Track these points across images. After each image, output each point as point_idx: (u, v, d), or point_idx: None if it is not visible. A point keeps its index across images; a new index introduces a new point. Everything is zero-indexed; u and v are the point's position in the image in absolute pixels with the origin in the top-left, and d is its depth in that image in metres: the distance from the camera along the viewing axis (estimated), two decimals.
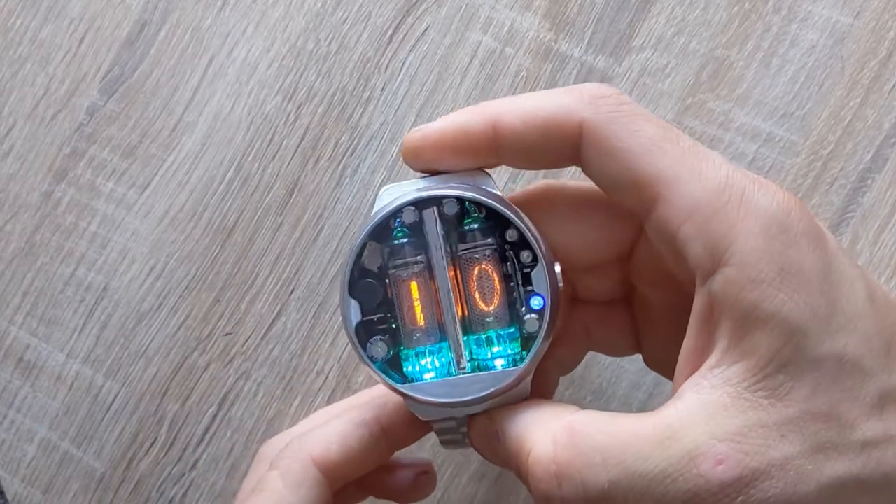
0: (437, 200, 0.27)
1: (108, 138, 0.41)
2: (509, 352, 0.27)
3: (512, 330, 0.27)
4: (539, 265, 0.27)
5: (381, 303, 0.27)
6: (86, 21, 0.41)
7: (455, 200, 0.27)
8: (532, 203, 0.29)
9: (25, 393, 0.40)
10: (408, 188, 0.27)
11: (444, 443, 0.31)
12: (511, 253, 0.27)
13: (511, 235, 0.27)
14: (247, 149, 0.40)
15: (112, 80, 0.41)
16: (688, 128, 0.39)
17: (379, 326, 0.27)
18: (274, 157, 0.40)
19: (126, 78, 0.41)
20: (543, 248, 0.27)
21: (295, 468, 0.30)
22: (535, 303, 0.27)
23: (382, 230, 0.27)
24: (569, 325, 0.32)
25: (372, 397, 0.33)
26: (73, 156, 0.41)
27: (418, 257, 0.27)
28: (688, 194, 0.25)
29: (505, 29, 0.40)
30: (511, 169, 0.39)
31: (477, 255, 0.27)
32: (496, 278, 0.27)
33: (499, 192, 0.27)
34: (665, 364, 0.31)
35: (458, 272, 0.27)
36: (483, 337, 0.27)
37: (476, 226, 0.27)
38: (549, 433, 0.26)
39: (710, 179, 0.25)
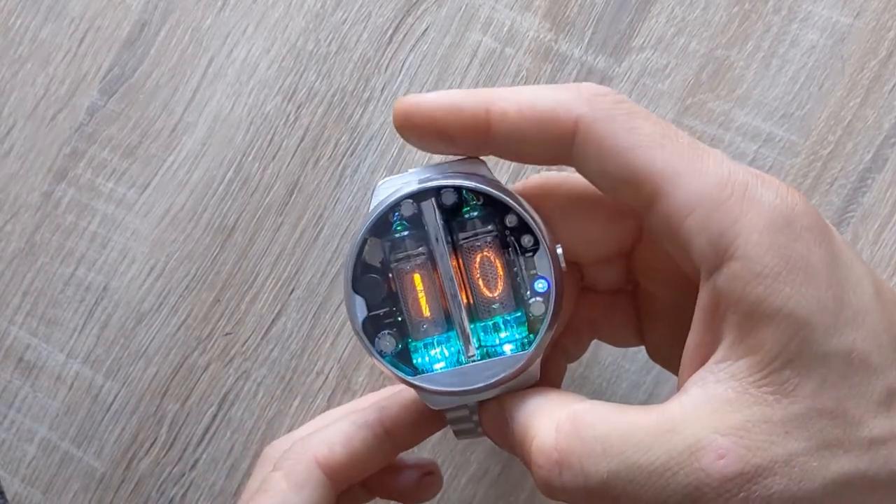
0: (434, 191, 0.27)
1: (108, 138, 0.41)
2: (517, 336, 0.27)
3: (518, 314, 0.27)
4: (541, 248, 0.27)
5: (385, 297, 0.27)
6: (86, 21, 0.41)
7: (452, 190, 0.27)
8: (530, 195, 0.29)
9: (25, 393, 0.40)
10: (404, 180, 0.27)
11: (457, 433, 0.31)
12: (512, 238, 0.27)
13: (511, 221, 0.27)
14: (247, 149, 0.40)
15: (112, 80, 0.41)
16: (688, 128, 0.39)
17: (385, 320, 0.27)
18: (274, 158, 0.40)
19: (126, 78, 0.41)
20: (544, 231, 0.27)
21: (299, 469, 0.30)
22: (540, 286, 0.27)
23: (382, 224, 0.27)
24: (575, 314, 0.32)
25: (376, 400, 0.33)
26: (74, 156, 0.41)
27: (420, 249, 0.27)
28: (690, 189, 0.24)
29: (505, 29, 0.40)
30: (512, 165, 0.39)
31: (478, 243, 0.27)
32: (499, 264, 0.27)
33: (495, 179, 0.28)
34: (669, 357, 0.31)
35: (461, 261, 0.27)
36: (490, 323, 0.27)
37: (475, 213, 0.27)
38: (553, 421, 0.25)
39: (712, 175, 0.25)
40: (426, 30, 0.40)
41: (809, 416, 0.23)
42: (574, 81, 0.39)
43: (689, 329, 0.26)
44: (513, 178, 0.39)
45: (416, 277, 0.27)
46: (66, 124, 0.41)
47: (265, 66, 0.40)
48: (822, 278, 0.24)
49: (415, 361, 0.27)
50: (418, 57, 0.40)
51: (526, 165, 0.39)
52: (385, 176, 0.29)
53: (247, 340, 0.40)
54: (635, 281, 0.31)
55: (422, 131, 0.27)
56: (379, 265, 0.27)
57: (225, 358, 0.40)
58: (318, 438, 0.31)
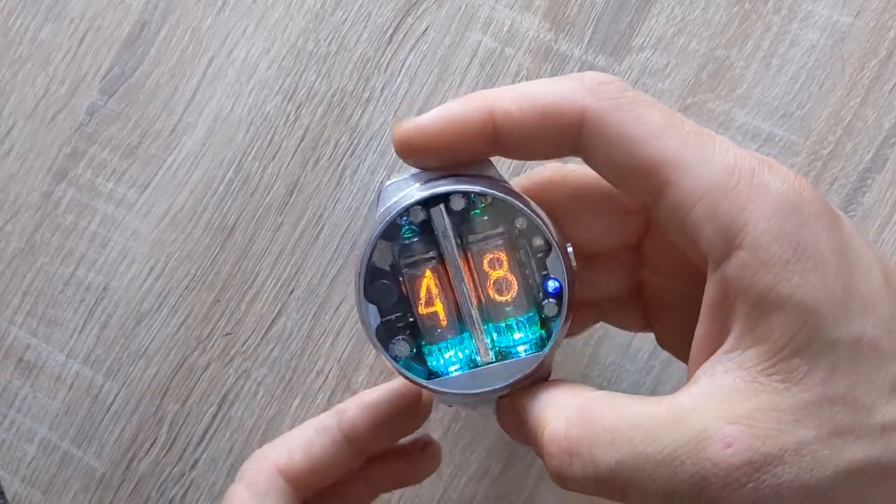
0: (442, 197, 0.27)
1: (108, 138, 0.41)
2: (531, 336, 0.27)
3: (531, 315, 0.27)
4: (553, 250, 0.27)
5: (396, 302, 0.27)
6: (86, 21, 0.41)
7: (461, 195, 0.27)
8: (536, 191, 0.29)
9: (25, 393, 0.40)
10: (410, 184, 0.27)
11: (449, 405, 0.31)
12: (523, 240, 0.27)
13: (520, 223, 0.27)
14: (247, 149, 0.40)
15: (112, 80, 0.41)
16: None
17: (398, 325, 0.27)
18: (274, 158, 0.40)
19: (126, 78, 0.41)
20: (554, 232, 0.27)
21: (259, 479, 0.30)
22: (552, 286, 0.27)
23: (391, 229, 0.27)
24: (580, 303, 0.31)
25: (340, 408, 0.32)
26: (74, 156, 0.41)
27: (430, 253, 0.27)
28: (697, 177, 0.24)
29: (505, 29, 0.40)
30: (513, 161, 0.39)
31: (489, 246, 0.27)
32: (510, 266, 0.27)
33: (502, 179, 0.27)
34: (678, 346, 0.31)
35: (472, 263, 0.27)
36: (503, 325, 0.27)
37: (484, 217, 0.27)
38: (564, 411, 0.25)
39: (719, 162, 0.24)
40: (426, 30, 0.40)
41: (820, 404, 0.23)
42: None
43: (697, 319, 0.26)
44: (515, 171, 0.39)
45: (428, 282, 0.27)
46: (66, 124, 0.41)
47: (265, 66, 0.40)
48: (830, 266, 0.23)
49: (430, 364, 0.27)
50: (418, 57, 0.40)
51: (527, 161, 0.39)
52: (389, 177, 0.29)
53: (247, 340, 0.40)
54: (643, 272, 0.31)
55: (426, 153, 0.27)
56: (389, 270, 0.27)
57: (225, 358, 0.40)
58: (278, 446, 0.31)
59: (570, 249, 0.27)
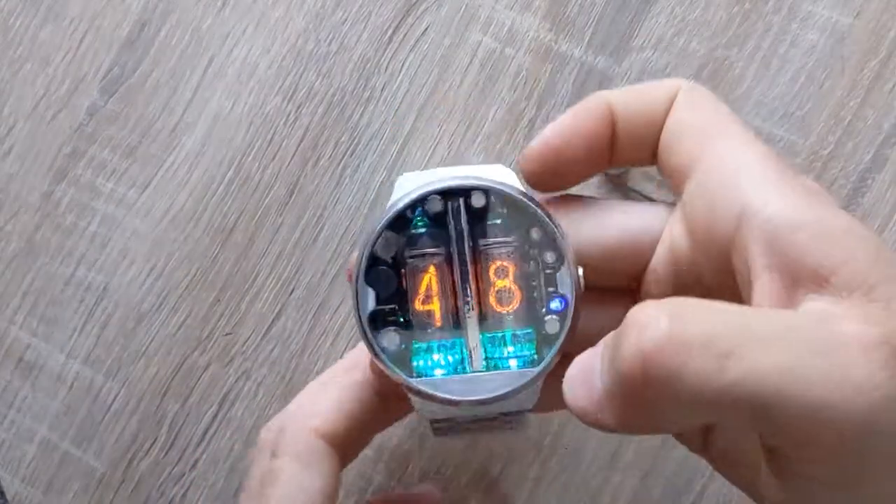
0: (465, 191, 0.26)
1: (108, 138, 0.41)
2: (525, 352, 0.26)
3: (529, 330, 0.26)
4: (564, 267, 0.26)
5: (395, 293, 0.26)
6: (86, 21, 0.41)
7: (483, 193, 0.26)
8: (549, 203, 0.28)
9: (25, 393, 0.40)
10: (426, 178, 0.26)
11: (436, 430, 0.30)
12: (535, 251, 0.26)
13: (536, 234, 0.26)
14: (247, 149, 0.40)
15: (112, 80, 0.41)
16: None
17: (390, 317, 0.26)
18: (274, 158, 0.40)
19: (126, 78, 0.41)
20: (570, 250, 0.26)
21: (301, 448, 0.29)
22: (557, 305, 0.26)
23: (401, 218, 0.26)
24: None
25: (356, 361, 0.31)
26: (74, 156, 0.41)
27: (438, 248, 0.26)
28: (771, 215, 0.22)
29: (505, 29, 0.40)
30: None
31: (497, 252, 0.26)
32: (516, 277, 0.26)
33: (525, 190, 0.27)
34: None
35: (478, 267, 0.26)
36: (499, 335, 0.26)
37: (499, 221, 0.26)
38: (685, 308, 0.21)
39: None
40: (426, 30, 0.40)
41: None
42: (574, 81, 0.39)
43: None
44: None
45: (431, 278, 0.26)
46: (66, 124, 0.41)
47: (265, 66, 0.40)
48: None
49: (415, 364, 0.26)
50: (418, 57, 0.40)
51: None
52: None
53: (247, 340, 0.40)
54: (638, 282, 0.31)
55: (554, 172, 0.26)
56: (392, 259, 0.26)
57: (225, 358, 0.40)
58: (310, 411, 0.30)
59: (580, 272, 0.26)
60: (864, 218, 0.38)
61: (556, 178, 0.27)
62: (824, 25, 0.39)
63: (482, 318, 0.26)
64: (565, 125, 0.26)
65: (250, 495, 0.29)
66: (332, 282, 0.40)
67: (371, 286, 0.26)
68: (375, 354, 0.26)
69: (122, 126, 0.41)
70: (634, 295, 0.29)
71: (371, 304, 0.26)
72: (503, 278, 0.26)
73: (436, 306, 0.26)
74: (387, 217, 0.26)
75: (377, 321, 0.26)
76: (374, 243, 0.26)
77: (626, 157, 0.27)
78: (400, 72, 0.40)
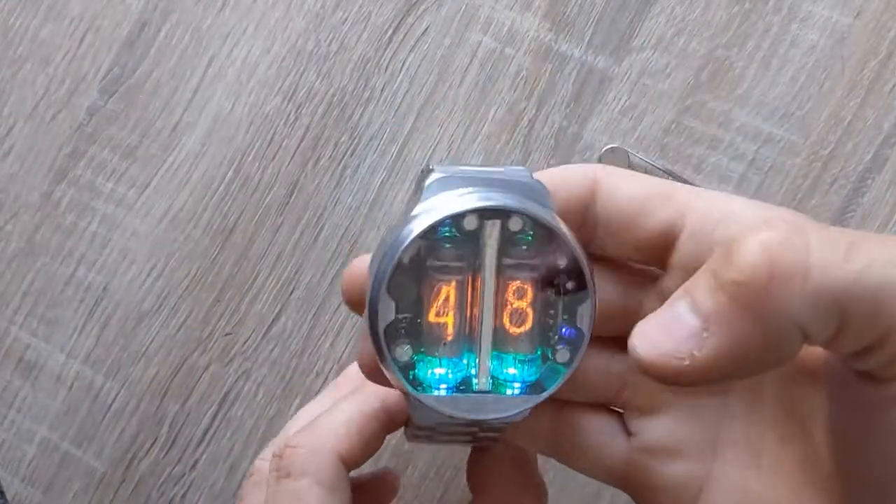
0: (504, 213, 0.24)
1: (108, 138, 0.41)
2: (530, 377, 0.26)
3: (537, 355, 0.26)
4: (587, 300, 0.25)
5: (412, 303, 0.25)
6: (86, 21, 0.41)
7: (521, 217, 0.24)
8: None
9: (26, 393, 0.40)
10: (461, 184, 0.25)
11: (415, 436, 0.29)
12: (557, 279, 0.25)
13: (560, 261, 0.25)
14: (247, 149, 0.40)
15: (112, 80, 0.41)
16: (688, 128, 0.39)
17: (401, 327, 0.25)
18: (274, 158, 0.40)
19: (126, 78, 0.41)
20: (594, 283, 0.25)
21: (325, 472, 0.28)
22: (572, 334, 0.25)
23: (431, 228, 0.24)
24: None
25: (356, 384, 0.31)
26: (74, 156, 0.41)
27: (461, 263, 0.25)
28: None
29: (505, 29, 0.40)
30: None
31: (519, 274, 0.25)
32: (533, 301, 0.25)
33: (555, 211, 0.25)
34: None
35: (498, 285, 0.25)
36: (509, 357, 0.26)
37: (527, 244, 0.25)
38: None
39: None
40: (426, 30, 0.40)
41: None
42: (574, 81, 0.39)
43: None
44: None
45: (450, 291, 0.25)
46: (65, 124, 0.41)
47: (265, 66, 0.40)
48: None
49: (418, 375, 0.25)
50: (418, 57, 0.40)
51: None
52: (432, 164, 0.26)
53: (247, 340, 0.40)
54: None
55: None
56: (414, 270, 0.25)
57: (225, 358, 0.40)
58: (331, 431, 0.29)
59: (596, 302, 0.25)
60: (864, 218, 0.38)
61: None
62: (824, 25, 0.39)
63: (494, 336, 0.26)
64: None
65: None
66: (332, 282, 0.40)
67: (392, 297, 0.25)
68: (385, 363, 0.25)
69: (122, 126, 0.41)
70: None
71: (391, 314, 0.25)
72: (520, 299, 0.25)
73: (450, 319, 0.25)
74: (422, 227, 0.24)
75: (389, 329, 0.25)
76: (400, 254, 0.24)
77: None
78: (400, 72, 0.40)
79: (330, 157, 0.40)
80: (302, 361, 0.40)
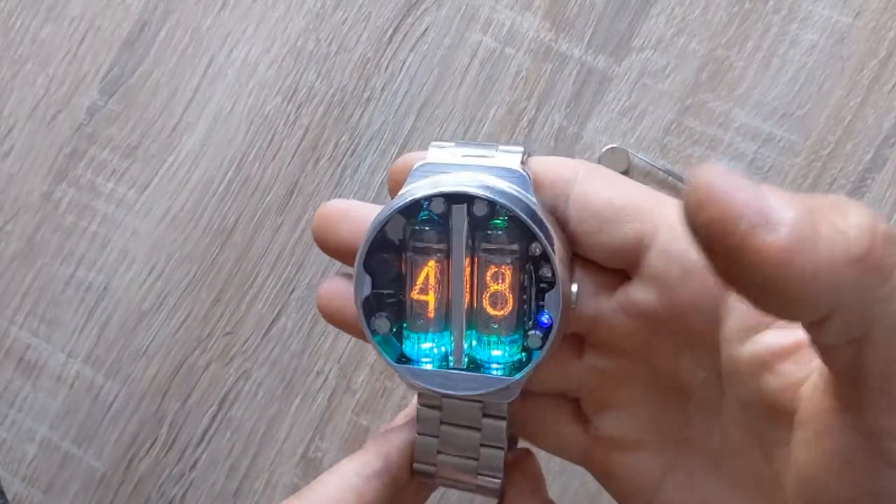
0: (467, 198, 0.26)
1: (108, 138, 0.41)
2: (507, 358, 0.27)
3: (515, 338, 0.27)
4: (556, 286, 0.26)
5: (392, 280, 0.27)
6: (86, 21, 0.41)
7: (486, 203, 0.26)
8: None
9: (26, 393, 0.40)
10: (447, 168, 0.27)
11: (420, 435, 0.29)
12: (531, 265, 0.26)
13: (535, 248, 0.26)
14: (247, 149, 0.40)
15: (112, 80, 0.41)
16: (688, 128, 0.39)
17: (386, 301, 0.27)
18: (274, 158, 0.40)
19: (126, 78, 0.41)
20: (560, 270, 0.26)
21: None
22: (543, 320, 0.26)
23: (412, 208, 0.26)
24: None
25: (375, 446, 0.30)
26: (74, 156, 0.41)
27: (441, 244, 0.26)
28: None
29: (505, 29, 0.40)
30: None
31: (497, 259, 0.26)
32: (511, 285, 0.26)
33: (535, 200, 0.26)
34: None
35: (476, 270, 0.27)
36: (485, 339, 0.27)
37: (503, 230, 0.26)
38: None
39: None
40: (426, 30, 0.40)
41: None
42: (574, 81, 0.39)
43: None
44: None
45: (429, 271, 0.27)
46: (66, 124, 0.41)
47: (265, 67, 0.40)
48: None
49: (405, 349, 0.27)
50: (418, 57, 0.40)
51: None
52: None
53: (247, 340, 0.40)
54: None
55: None
56: (395, 247, 0.26)
57: (225, 358, 0.40)
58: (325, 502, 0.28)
59: (574, 289, 0.26)
60: None
61: None
62: (824, 25, 0.38)
63: (472, 319, 0.27)
64: None
65: None
66: None
67: (369, 272, 0.26)
68: (367, 336, 0.27)
69: (122, 126, 0.41)
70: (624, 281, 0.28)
71: (367, 289, 0.26)
72: (499, 284, 0.26)
73: (430, 299, 0.27)
74: (392, 209, 0.26)
75: (371, 305, 0.27)
76: (377, 232, 0.26)
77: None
78: (400, 72, 0.40)
79: (330, 157, 0.40)
80: (302, 361, 0.40)
